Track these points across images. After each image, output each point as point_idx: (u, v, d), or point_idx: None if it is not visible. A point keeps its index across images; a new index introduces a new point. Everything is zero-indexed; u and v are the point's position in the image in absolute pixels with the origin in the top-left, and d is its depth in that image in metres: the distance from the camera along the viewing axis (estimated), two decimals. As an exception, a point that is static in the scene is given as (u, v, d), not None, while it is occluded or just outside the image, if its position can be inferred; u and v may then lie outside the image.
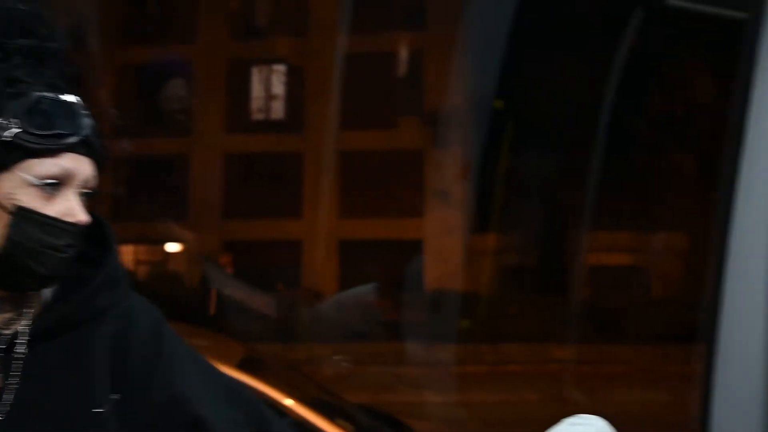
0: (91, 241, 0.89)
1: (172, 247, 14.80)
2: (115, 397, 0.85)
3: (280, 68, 14.83)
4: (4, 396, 0.81)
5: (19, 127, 0.81)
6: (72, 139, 0.83)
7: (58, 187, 0.83)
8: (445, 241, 13.45)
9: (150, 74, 14.48)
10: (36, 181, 0.82)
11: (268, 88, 14.91)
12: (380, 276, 12.04)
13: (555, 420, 0.89)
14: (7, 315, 0.84)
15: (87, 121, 0.86)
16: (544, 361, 9.64)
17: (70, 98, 0.85)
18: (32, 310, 0.86)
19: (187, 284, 12.80)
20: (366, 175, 13.91)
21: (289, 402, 2.76)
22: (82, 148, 0.85)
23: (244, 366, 2.80)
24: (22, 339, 0.83)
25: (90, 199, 0.87)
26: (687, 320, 7.39)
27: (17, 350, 0.83)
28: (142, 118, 13.40)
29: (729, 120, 1.45)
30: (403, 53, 14.33)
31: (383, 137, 13.93)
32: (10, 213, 0.81)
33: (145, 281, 13.22)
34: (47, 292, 0.88)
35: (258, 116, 15.07)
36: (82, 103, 0.86)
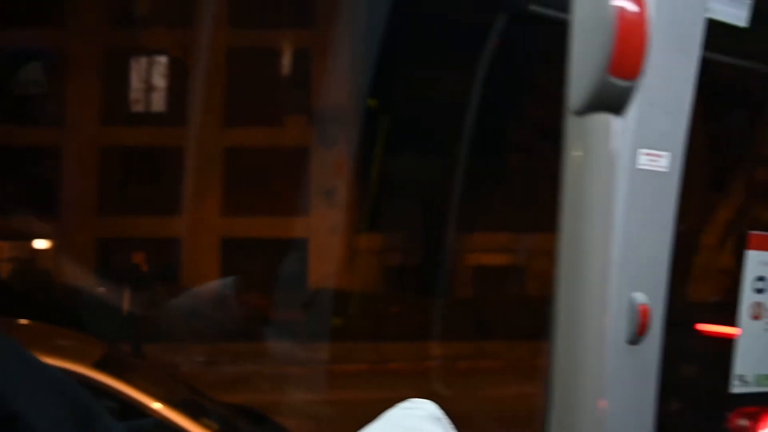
0: None
1: (38, 244, 13.98)
2: None
3: (162, 60, 14.34)
4: None
5: None
6: None
7: None
8: (329, 240, 13.45)
9: (10, 57, 13.56)
10: None
11: (149, 79, 14.37)
12: (263, 275, 11.89)
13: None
14: None
15: None
16: (422, 358, 9.85)
17: None
18: None
19: (51, 282, 12.13)
20: (250, 172, 13.69)
21: (152, 401, 2.67)
22: None
23: (103, 365, 2.68)
24: None
25: None
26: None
27: None
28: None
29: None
30: (291, 51, 14.21)
31: (269, 134, 13.75)
32: None
33: (5, 279, 12.42)
34: None
35: (137, 108, 14.49)
36: None
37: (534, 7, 2.01)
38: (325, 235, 13.63)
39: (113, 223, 13.73)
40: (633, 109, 1.35)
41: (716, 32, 1.50)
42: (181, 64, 14.05)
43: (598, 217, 1.38)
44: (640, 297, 1.38)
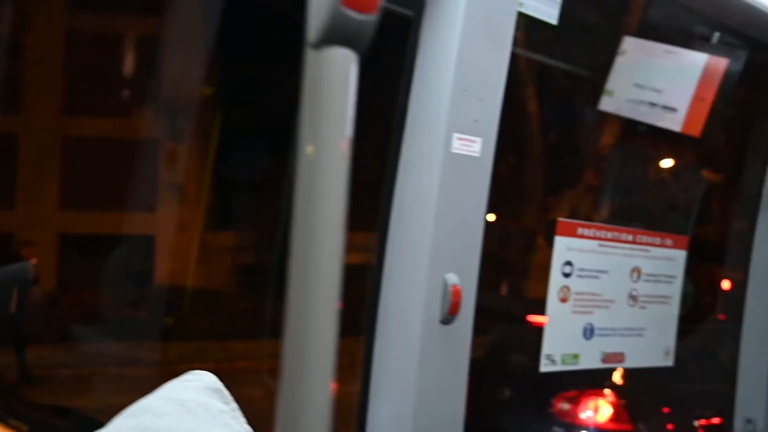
0: None
1: None
2: None
3: (-7, 40, 13.24)
4: None
5: None
6: None
7: None
8: (177, 238, 13.00)
9: None
10: None
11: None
12: (103, 272, 11.28)
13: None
14: None
15: None
16: (271, 356, 9.75)
17: None
18: None
19: None
20: (92, 164, 12.94)
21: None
22: None
23: None
24: None
25: None
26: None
27: None
28: None
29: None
30: (139, 39, 13.60)
31: (113, 125, 13.07)
32: None
33: None
34: None
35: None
36: None
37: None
38: (173, 232, 13.15)
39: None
40: (447, 95, 1.39)
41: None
42: (16, 46, 13.02)
43: (414, 200, 1.41)
44: (452, 278, 1.42)
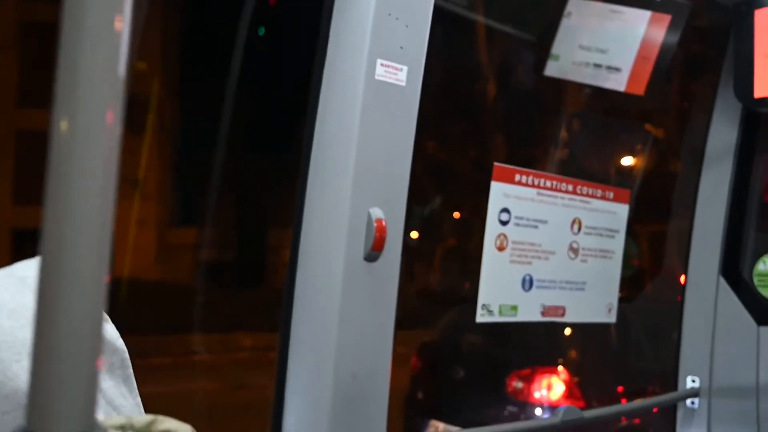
0: None
1: None
2: None
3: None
4: None
5: None
6: None
7: None
8: (137, 233, 12.74)
9: None
10: None
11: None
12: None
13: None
14: None
15: None
16: (231, 349, 9.60)
17: None
18: None
19: None
20: (46, 158, 12.60)
21: None
22: None
23: None
24: None
25: None
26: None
27: None
28: None
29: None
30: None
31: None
32: None
33: None
34: None
35: None
36: None
37: None
38: (133, 227, 12.89)
39: None
40: (369, 19, 1.32)
41: None
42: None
43: (338, 125, 1.34)
44: (377, 212, 1.36)
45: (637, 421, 3.44)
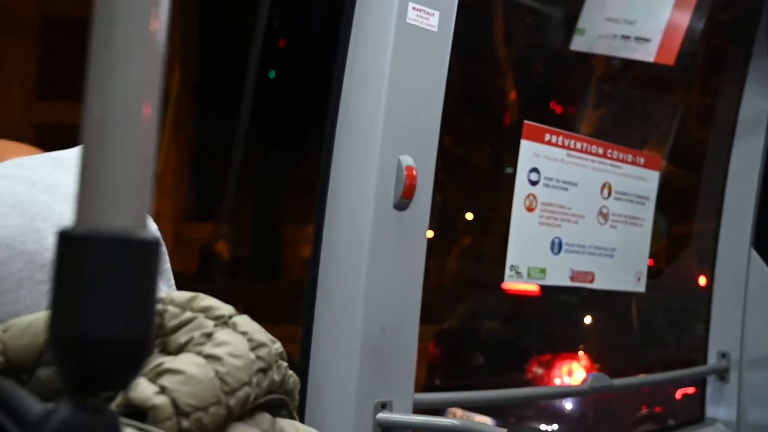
0: None
1: None
2: None
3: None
4: None
5: None
6: None
7: None
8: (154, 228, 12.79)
9: None
10: None
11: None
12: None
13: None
14: None
15: None
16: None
17: None
18: None
19: None
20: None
21: None
22: None
23: None
24: None
25: None
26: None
27: None
28: None
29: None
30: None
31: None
32: None
33: None
34: None
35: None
36: None
37: None
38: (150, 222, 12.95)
39: None
40: (402, -41, 1.29)
41: None
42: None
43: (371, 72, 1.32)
44: (407, 159, 1.33)
45: (658, 409, 3.39)
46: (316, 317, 1.34)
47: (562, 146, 1.73)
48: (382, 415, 1.31)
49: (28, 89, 12.73)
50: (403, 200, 1.32)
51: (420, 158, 1.34)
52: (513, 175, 1.64)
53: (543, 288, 3.41)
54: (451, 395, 1.60)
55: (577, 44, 2.40)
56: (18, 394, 0.43)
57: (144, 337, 0.34)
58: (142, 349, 0.34)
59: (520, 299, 4.15)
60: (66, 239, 0.33)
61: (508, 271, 1.66)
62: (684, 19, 2.29)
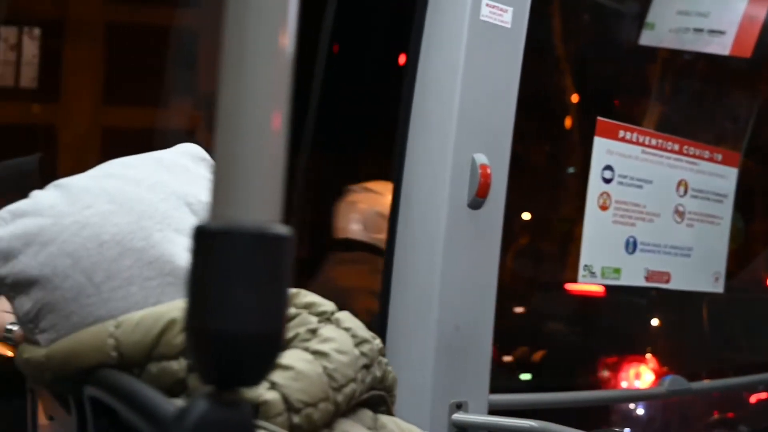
0: None
1: None
2: None
3: (34, 32, 13.51)
4: None
5: None
6: None
7: None
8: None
9: None
10: None
11: (18, 53, 13.49)
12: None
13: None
14: None
15: None
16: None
17: None
18: None
19: None
20: (130, 154, 13.08)
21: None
22: None
23: None
24: None
25: None
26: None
27: None
28: None
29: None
30: (176, 30, 13.73)
31: (150, 116, 13.20)
32: None
33: None
34: None
35: (4, 83, 13.57)
36: None
37: None
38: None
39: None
40: (475, -44, 1.28)
41: None
42: (57, 37, 13.25)
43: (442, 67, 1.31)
44: (481, 158, 1.31)
45: (730, 415, 3.28)
46: (391, 317, 1.33)
47: (637, 143, 1.69)
48: (458, 416, 1.30)
49: (95, 94, 13.17)
50: (478, 199, 1.31)
51: (494, 156, 1.32)
52: (574, 174, 1.61)
53: (608, 288, 3.33)
54: (526, 396, 1.58)
55: (646, 39, 2.34)
56: (146, 392, 0.44)
57: (277, 332, 0.34)
58: (275, 345, 0.34)
59: (584, 299, 4.07)
60: (202, 234, 0.34)
61: (581, 271, 1.63)
62: (761, 10, 2.21)
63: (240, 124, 0.35)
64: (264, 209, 0.34)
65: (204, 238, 0.34)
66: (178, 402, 0.53)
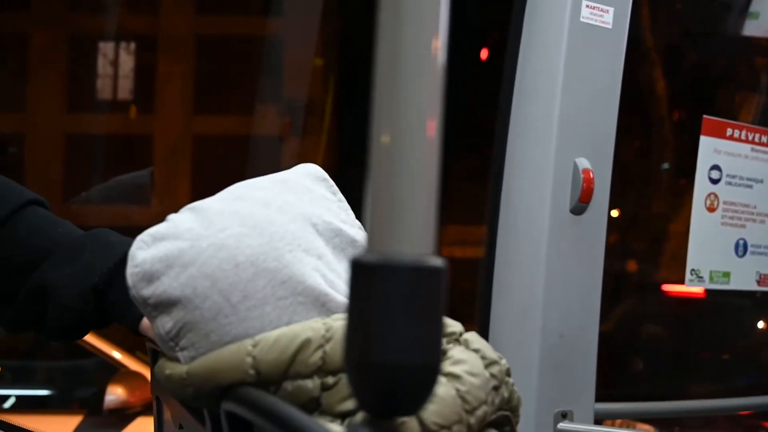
0: None
1: None
2: None
3: (129, 46, 14.12)
4: None
5: None
6: None
7: None
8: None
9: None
10: None
11: (116, 66, 14.14)
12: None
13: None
14: None
15: None
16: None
17: None
18: None
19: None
20: (221, 161, 13.50)
21: None
22: None
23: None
24: None
25: None
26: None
27: None
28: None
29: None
30: (261, 38, 14.05)
31: (239, 123, 13.56)
32: None
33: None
34: None
35: (103, 95, 14.24)
36: None
37: None
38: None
39: (80, 212, 13.48)
40: (575, -43, 1.26)
41: None
42: (150, 50, 13.84)
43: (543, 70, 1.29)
44: (583, 162, 1.29)
45: None
46: (492, 325, 1.32)
47: (746, 141, 1.61)
48: (563, 425, 1.27)
49: (186, 104, 13.67)
50: (580, 204, 1.28)
51: (596, 160, 1.29)
52: (668, 172, 1.55)
53: (708, 290, 3.20)
54: (634, 405, 1.53)
55: (750, 29, 2.24)
56: (295, 413, 0.45)
57: (435, 363, 0.34)
58: (433, 376, 0.34)
59: (683, 301, 3.92)
60: (360, 267, 0.35)
61: (688, 276, 1.57)
62: None
63: (393, 139, 0.35)
64: (421, 238, 0.34)
65: (364, 271, 0.34)
66: (332, 426, 0.55)
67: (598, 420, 1.36)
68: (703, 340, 3.90)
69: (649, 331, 4.12)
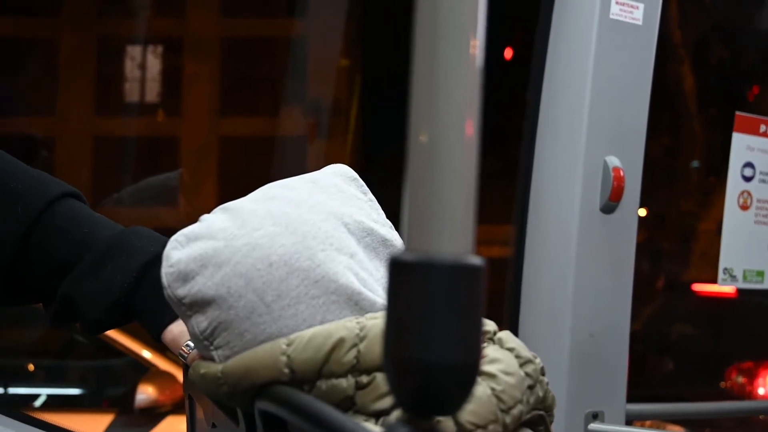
0: None
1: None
2: None
3: (156, 49, 14.27)
4: None
5: None
6: None
7: None
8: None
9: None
10: None
11: (143, 69, 14.30)
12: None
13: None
14: None
15: None
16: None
17: None
18: None
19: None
20: (246, 162, 13.60)
21: None
22: None
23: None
24: None
25: None
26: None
27: None
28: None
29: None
30: (285, 40, 14.12)
31: (265, 124, 13.65)
32: None
33: None
34: None
35: (131, 98, 14.42)
36: None
37: None
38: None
39: (109, 215, 13.61)
40: (604, -47, 1.25)
41: None
42: (177, 53, 13.97)
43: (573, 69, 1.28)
44: (613, 160, 1.28)
45: None
46: (521, 324, 1.32)
47: (780, 137, 1.58)
48: (594, 426, 1.26)
49: (212, 106, 13.77)
50: (611, 203, 1.27)
51: (626, 159, 1.28)
52: (697, 170, 1.53)
53: (739, 289, 3.16)
54: (665, 406, 1.52)
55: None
56: (333, 413, 0.45)
57: (475, 362, 0.34)
58: (471, 375, 0.34)
59: (713, 301, 3.86)
60: (399, 266, 0.35)
61: (721, 275, 1.55)
62: None
63: (431, 139, 0.36)
64: (459, 236, 0.34)
65: (403, 269, 0.34)
66: (370, 425, 0.55)
67: (629, 421, 1.34)
68: (735, 341, 3.84)
69: (678, 331, 4.07)
